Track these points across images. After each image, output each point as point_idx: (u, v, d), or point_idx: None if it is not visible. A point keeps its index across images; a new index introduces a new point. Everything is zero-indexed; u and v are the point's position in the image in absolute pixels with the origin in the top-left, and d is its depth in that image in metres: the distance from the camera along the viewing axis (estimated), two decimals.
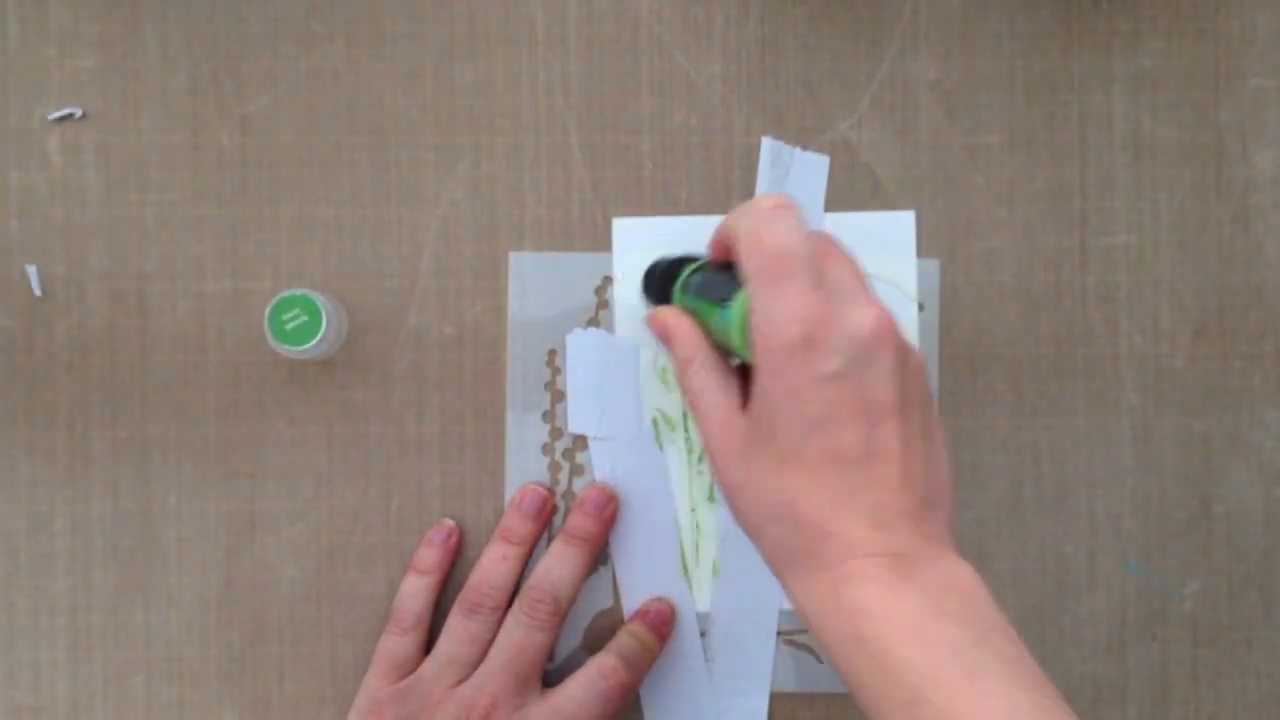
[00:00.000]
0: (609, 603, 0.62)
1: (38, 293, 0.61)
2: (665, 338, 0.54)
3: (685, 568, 0.62)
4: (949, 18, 0.63)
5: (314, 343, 0.57)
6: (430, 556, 0.61)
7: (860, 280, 0.49)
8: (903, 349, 0.48)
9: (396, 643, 0.60)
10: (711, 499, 0.62)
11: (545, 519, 0.61)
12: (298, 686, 0.62)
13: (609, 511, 0.61)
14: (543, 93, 0.62)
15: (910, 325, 0.62)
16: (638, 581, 0.62)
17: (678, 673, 0.62)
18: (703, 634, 0.62)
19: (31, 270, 0.61)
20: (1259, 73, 0.63)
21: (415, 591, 0.60)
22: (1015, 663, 0.45)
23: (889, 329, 0.48)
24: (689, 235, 0.62)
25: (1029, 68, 0.63)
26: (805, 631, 0.62)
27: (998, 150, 0.63)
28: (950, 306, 0.62)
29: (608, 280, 0.62)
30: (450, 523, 0.61)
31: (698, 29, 0.62)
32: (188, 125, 0.62)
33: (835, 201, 0.62)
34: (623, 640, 0.60)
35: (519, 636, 0.59)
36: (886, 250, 0.62)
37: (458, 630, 0.59)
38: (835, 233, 0.62)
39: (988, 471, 0.62)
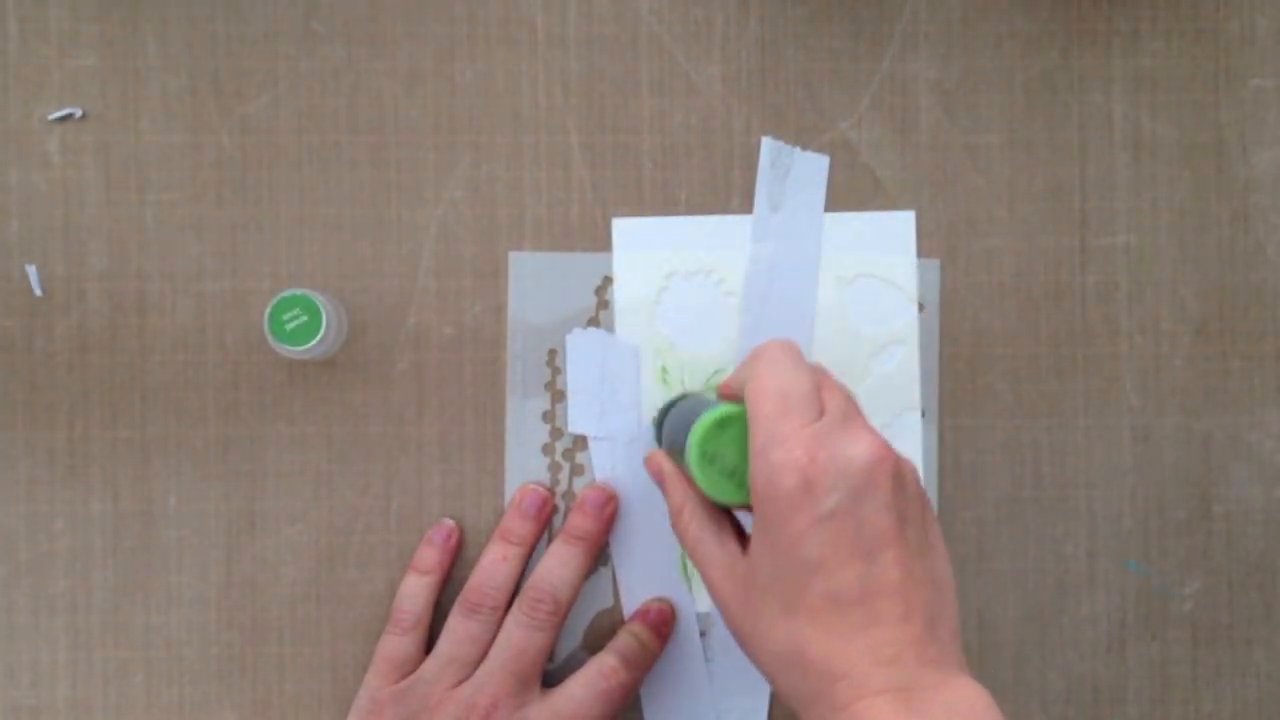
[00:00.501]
0: (609, 603, 0.62)
1: (38, 293, 0.61)
2: (658, 481, 0.55)
3: (685, 568, 0.62)
4: (949, 18, 0.63)
5: (314, 343, 0.57)
6: (430, 556, 0.61)
7: (854, 408, 0.51)
8: (897, 470, 0.49)
9: (396, 643, 0.60)
10: None
11: (545, 519, 0.61)
12: (298, 686, 0.62)
13: (609, 511, 0.61)
14: (543, 93, 0.62)
15: (910, 326, 0.62)
16: (638, 581, 0.62)
17: (678, 673, 0.62)
18: (703, 634, 0.62)
19: (31, 270, 0.61)
20: (1259, 73, 0.63)
21: (415, 592, 0.60)
22: None
23: (883, 456, 0.48)
24: (689, 235, 0.62)
25: (1029, 68, 0.63)
26: None
27: (998, 150, 0.63)
28: (950, 306, 0.62)
29: (608, 280, 0.62)
30: (450, 523, 0.61)
31: (698, 29, 0.62)
32: (188, 125, 0.62)
33: (835, 201, 0.62)
34: (623, 640, 0.60)
35: (519, 636, 0.59)
36: (886, 250, 0.62)
37: (458, 630, 0.59)
38: (835, 232, 0.62)
39: (988, 471, 0.62)
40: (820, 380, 0.52)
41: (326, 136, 0.62)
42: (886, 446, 0.49)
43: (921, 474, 0.61)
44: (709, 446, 0.51)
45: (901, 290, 0.62)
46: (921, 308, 0.62)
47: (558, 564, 0.60)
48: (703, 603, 0.62)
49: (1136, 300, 0.63)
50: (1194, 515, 0.63)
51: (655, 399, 0.62)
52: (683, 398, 0.59)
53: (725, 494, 0.51)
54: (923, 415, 0.62)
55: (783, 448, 0.48)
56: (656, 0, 0.62)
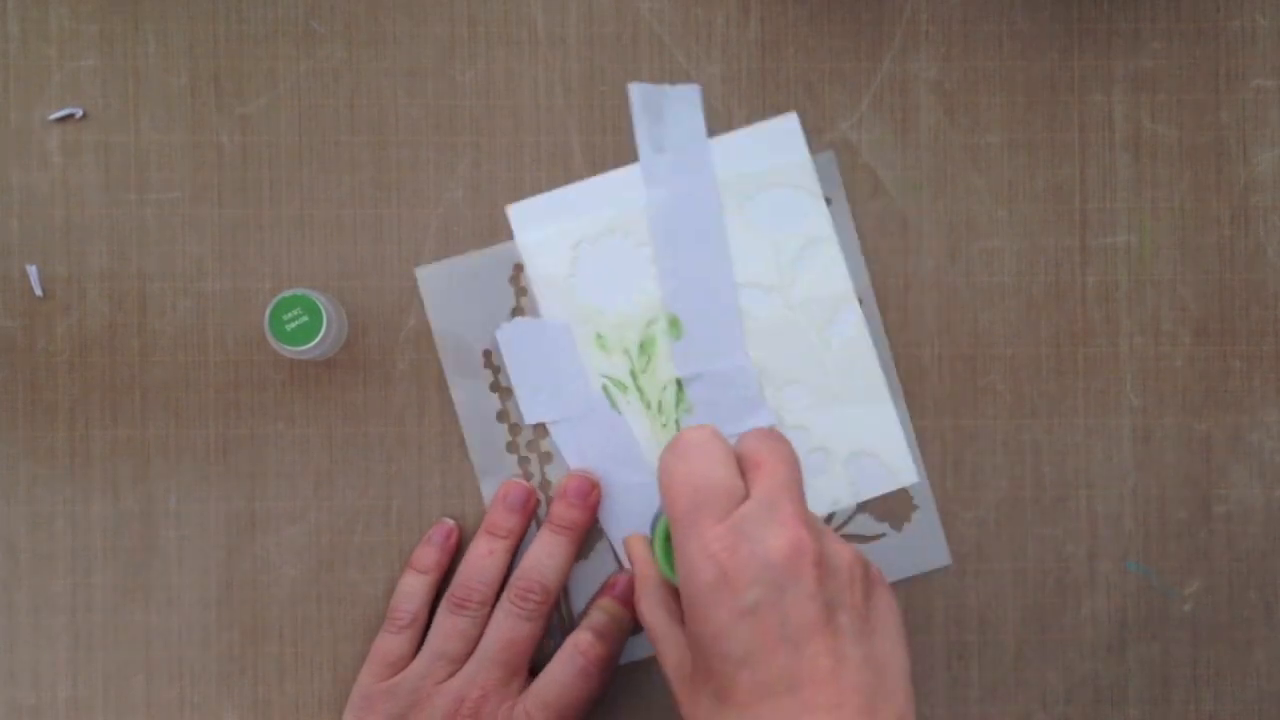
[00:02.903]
0: None
1: (38, 293, 0.61)
2: (630, 561, 0.56)
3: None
4: (949, 18, 0.63)
5: (314, 343, 0.57)
6: (429, 556, 0.61)
7: (786, 492, 0.50)
8: (822, 558, 0.49)
9: (391, 641, 0.60)
10: None
11: (530, 512, 0.61)
12: (298, 686, 0.62)
13: (593, 499, 0.61)
14: (543, 93, 0.62)
15: (822, 220, 0.61)
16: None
17: None
18: None
19: (32, 270, 0.61)
20: (1259, 73, 0.63)
21: (412, 591, 0.60)
22: None
23: (803, 547, 0.48)
24: (584, 200, 0.61)
25: (1029, 68, 0.63)
26: None
27: (998, 150, 0.63)
28: (950, 306, 0.62)
29: (519, 268, 0.62)
30: (450, 522, 0.61)
31: (698, 29, 0.62)
32: (188, 125, 0.62)
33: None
34: (593, 616, 0.60)
35: (508, 628, 0.59)
36: (778, 157, 0.62)
37: (446, 626, 0.59)
38: (725, 156, 0.62)
39: (988, 471, 0.62)
40: (757, 459, 0.51)
41: (326, 136, 0.62)
42: (808, 536, 0.49)
43: (868, 361, 0.61)
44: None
45: (805, 189, 0.62)
46: (829, 201, 0.62)
47: (545, 554, 0.60)
48: None
49: (1136, 300, 0.63)
50: (1194, 515, 0.63)
51: (598, 366, 0.61)
52: None
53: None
54: (860, 303, 0.62)
55: (698, 543, 0.49)
56: (656, 0, 0.62)
